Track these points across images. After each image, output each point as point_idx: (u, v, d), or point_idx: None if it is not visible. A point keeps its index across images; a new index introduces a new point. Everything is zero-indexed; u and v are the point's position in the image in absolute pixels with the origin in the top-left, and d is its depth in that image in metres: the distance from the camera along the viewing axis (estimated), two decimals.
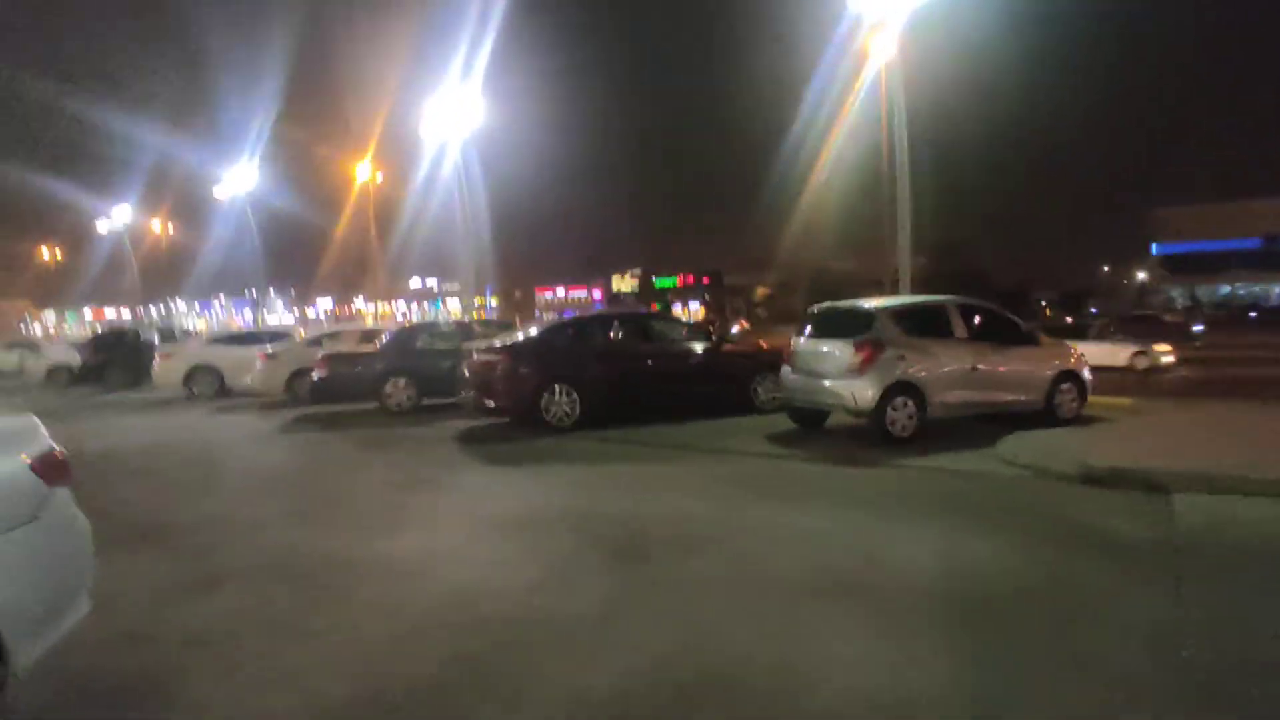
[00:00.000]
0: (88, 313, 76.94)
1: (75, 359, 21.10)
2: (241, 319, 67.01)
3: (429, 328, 14.05)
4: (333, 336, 15.11)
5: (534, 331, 10.84)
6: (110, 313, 73.82)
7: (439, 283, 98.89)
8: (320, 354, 12.20)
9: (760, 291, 73.42)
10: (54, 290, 72.29)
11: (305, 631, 3.84)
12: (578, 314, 16.98)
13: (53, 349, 22.71)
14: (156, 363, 16.27)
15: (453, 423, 10.89)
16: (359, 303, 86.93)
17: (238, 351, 15.90)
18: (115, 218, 34.76)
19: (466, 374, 10.04)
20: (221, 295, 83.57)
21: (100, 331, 20.95)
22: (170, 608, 4.22)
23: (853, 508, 5.95)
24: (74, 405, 16.37)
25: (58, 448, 3.05)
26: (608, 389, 9.72)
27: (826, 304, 9.42)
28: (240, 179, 26.25)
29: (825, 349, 8.66)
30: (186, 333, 26.09)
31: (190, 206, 50.96)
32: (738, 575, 4.52)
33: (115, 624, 3.81)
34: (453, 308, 78.15)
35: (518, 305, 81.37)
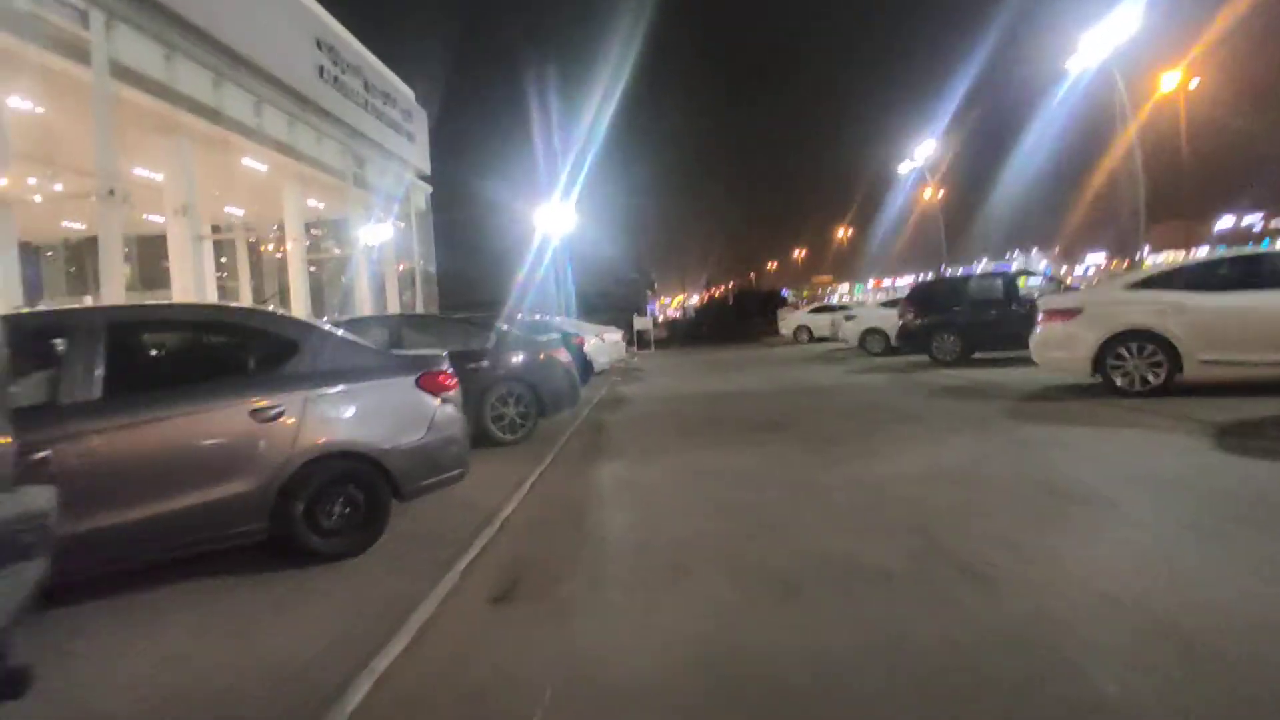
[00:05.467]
0: (869, 284, 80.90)
1: (889, 322, 15.96)
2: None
3: None
4: None
5: None
6: (885, 281, 75.89)
7: (1263, 218, 70.96)
8: None
9: None
10: (847, 264, 78.50)
11: None
12: None
13: (866, 312, 18.47)
14: (1040, 325, 8.72)
15: None
16: (1141, 255, 67.75)
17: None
18: (917, 158, 30.43)
19: None
20: (984, 258, 77.39)
21: (923, 282, 15.19)
22: None
23: None
24: (904, 394, 10.30)
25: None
26: None
27: None
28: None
29: None
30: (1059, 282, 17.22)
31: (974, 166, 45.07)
32: None
33: None
34: None
35: None
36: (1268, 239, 64.31)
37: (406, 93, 23.03)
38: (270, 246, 22.94)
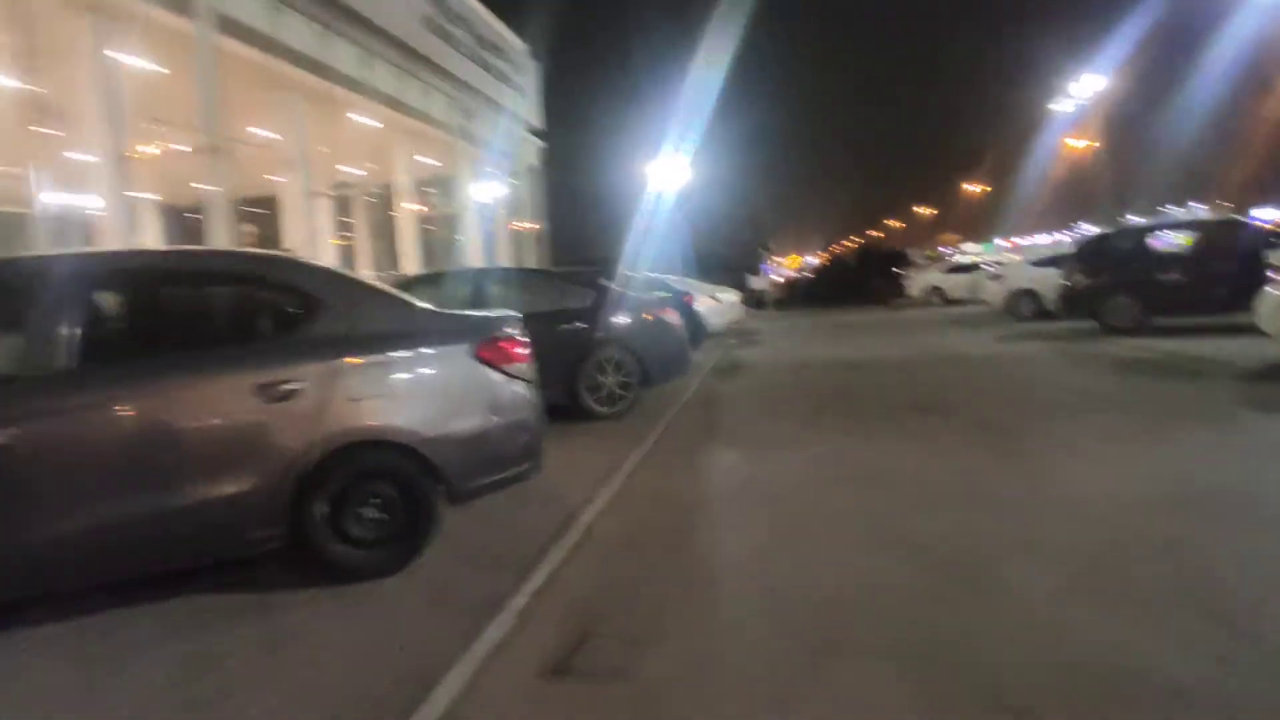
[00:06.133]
0: (999, 242, 73.80)
1: (1043, 283, 13.62)
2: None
3: None
4: None
5: None
6: (1018, 240, 69.14)
7: None
8: None
9: None
10: (978, 223, 72.06)
11: None
12: None
13: (1014, 271, 16.05)
14: (1274, 287, 6.66)
15: None
16: None
17: None
18: (1072, 95, 25.81)
19: None
20: (1129, 215, 68.28)
21: (1096, 235, 12.61)
22: None
23: None
24: (1080, 370, 8.44)
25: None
26: None
27: None
28: None
29: None
30: None
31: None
32: None
33: None
34: None
35: None
36: None
37: (518, 44, 22.19)
38: (386, 205, 22.98)
